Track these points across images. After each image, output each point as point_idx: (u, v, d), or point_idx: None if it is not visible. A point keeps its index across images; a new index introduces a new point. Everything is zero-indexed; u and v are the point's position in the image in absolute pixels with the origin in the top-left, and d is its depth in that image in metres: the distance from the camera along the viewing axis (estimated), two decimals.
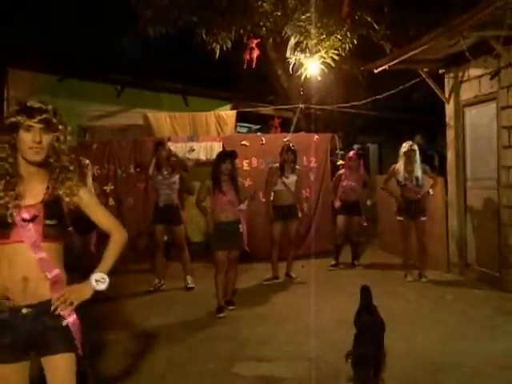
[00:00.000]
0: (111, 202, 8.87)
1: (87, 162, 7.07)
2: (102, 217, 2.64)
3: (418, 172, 7.52)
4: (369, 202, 8.76)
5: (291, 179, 7.71)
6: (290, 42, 8.72)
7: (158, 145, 7.51)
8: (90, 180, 7.03)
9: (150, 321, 5.98)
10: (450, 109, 7.98)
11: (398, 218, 7.70)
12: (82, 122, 10.21)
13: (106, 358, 4.83)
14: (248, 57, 9.14)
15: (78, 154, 7.51)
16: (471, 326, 5.47)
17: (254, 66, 9.31)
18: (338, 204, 8.63)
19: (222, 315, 6.09)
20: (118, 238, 2.63)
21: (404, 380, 4.16)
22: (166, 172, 7.31)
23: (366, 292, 4.73)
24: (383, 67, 7.74)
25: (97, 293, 2.48)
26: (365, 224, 8.70)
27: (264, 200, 8.07)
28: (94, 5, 10.79)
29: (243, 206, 6.39)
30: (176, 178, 7.37)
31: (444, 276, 7.79)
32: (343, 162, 9.08)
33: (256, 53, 9.10)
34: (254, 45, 9.10)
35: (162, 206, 7.31)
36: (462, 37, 6.30)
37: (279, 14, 8.80)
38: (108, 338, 5.38)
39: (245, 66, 9.31)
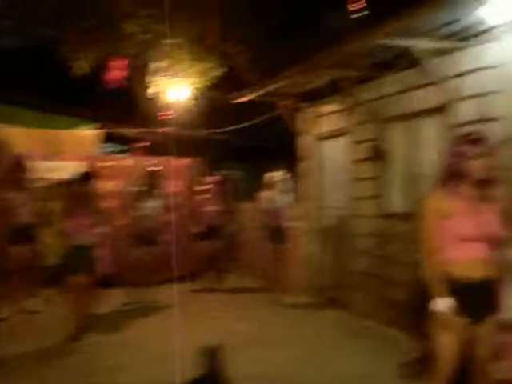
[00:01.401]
0: None
1: None
2: None
3: (281, 200, 7.90)
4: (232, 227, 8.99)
5: (153, 204, 7.68)
6: (153, 66, 8.76)
7: (15, 164, 7.16)
8: None
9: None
10: (307, 141, 8.50)
11: (262, 243, 7.99)
12: None
13: None
14: (111, 77, 9.01)
15: None
16: (322, 346, 5.81)
17: (116, 87, 9.21)
18: (200, 229, 8.76)
19: (78, 342, 5.86)
20: None
21: None
22: (18, 191, 6.98)
23: (210, 356, 3.69)
24: (246, 98, 8.08)
25: None
26: (219, 250, 8.83)
27: (125, 223, 7.94)
28: None
29: (101, 229, 6.25)
30: (30, 198, 7.06)
31: (301, 300, 8.16)
32: (207, 188, 9.23)
33: (120, 74, 9.00)
34: (119, 65, 8.99)
35: (18, 227, 7.00)
36: (317, 75, 6.80)
37: (147, 37, 8.82)
38: None
39: (106, 86, 9.17)
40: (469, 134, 3.29)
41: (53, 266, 8.76)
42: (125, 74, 9.24)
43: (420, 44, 5.36)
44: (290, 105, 8.45)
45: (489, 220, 3.18)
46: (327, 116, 7.96)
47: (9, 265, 7.08)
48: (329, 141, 8.06)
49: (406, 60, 5.75)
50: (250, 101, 8.20)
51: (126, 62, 9.33)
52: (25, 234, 7.02)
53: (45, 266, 8.52)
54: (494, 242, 3.19)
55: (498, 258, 3.25)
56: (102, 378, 4.80)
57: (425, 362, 4.85)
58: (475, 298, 3.14)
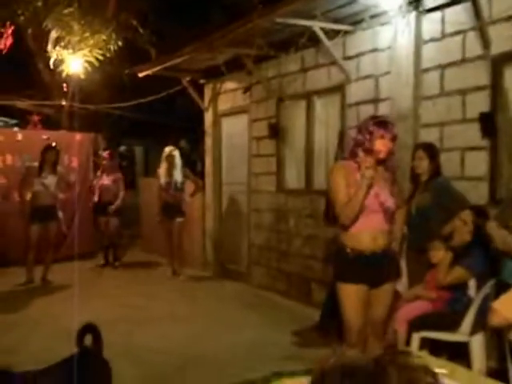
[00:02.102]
0: None
1: None
2: None
3: (178, 176, 7.89)
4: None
5: (51, 180, 7.40)
6: (50, 36, 8.36)
7: None
8: None
9: None
10: (208, 117, 8.54)
11: (158, 218, 7.99)
12: None
13: None
14: (1, 45, 8.48)
15: None
16: (221, 319, 5.94)
17: (7, 55, 8.68)
18: (97, 205, 8.63)
19: None
20: None
21: (152, 374, 4.36)
22: None
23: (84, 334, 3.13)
24: (147, 72, 7.93)
25: None
26: (112, 226, 8.69)
27: (19, 200, 7.60)
28: None
29: None
30: None
31: (200, 274, 8.28)
32: (101, 163, 9.02)
33: (9, 41, 8.49)
34: (8, 32, 8.47)
35: None
36: (219, 52, 6.82)
37: (39, 4, 8.36)
38: None
39: None
40: (377, 117, 3.67)
41: None
42: (17, 42, 8.72)
43: (317, 25, 5.53)
44: (192, 81, 8.41)
45: (386, 194, 3.46)
46: (228, 93, 8.03)
47: None
48: (230, 118, 8.14)
49: (304, 40, 5.92)
50: (153, 75, 8.06)
51: (15, 29, 8.79)
52: None
53: None
54: (390, 216, 3.49)
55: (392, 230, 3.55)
56: None
57: (318, 329, 5.16)
58: (376, 266, 3.40)
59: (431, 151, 4.48)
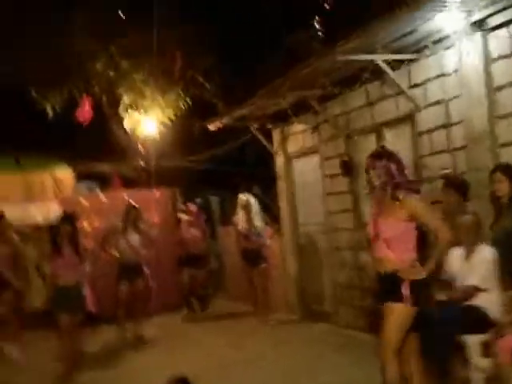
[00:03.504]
0: None
1: None
2: None
3: (258, 222, 7.99)
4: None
5: (134, 238, 7.68)
6: (122, 101, 8.86)
7: None
8: None
9: None
10: (279, 161, 8.65)
11: (241, 266, 8.06)
12: None
13: None
14: (80, 115, 9.06)
15: None
16: (309, 362, 5.85)
17: (87, 125, 9.26)
18: (182, 258, 8.82)
19: (70, 382, 5.81)
20: None
21: None
22: None
23: None
24: (216, 125, 8.20)
25: None
26: (202, 277, 8.84)
27: (108, 260, 7.90)
28: None
29: (85, 268, 6.25)
30: (6, 248, 7.07)
31: (286, 317, 8.20)
32: (185, 216, 9.27)
33: (89, 111, 9.06)
34: (86, 103, 9.05)
35: None
36: (283, 97, 6.96)
37: (112, 74, 8.93)
38: None
39: (78, 124, 9.23)
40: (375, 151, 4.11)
41: (40, 308, 8.70)
42: (92, 110, 9.29)
43: (380, 58, 5.55)
44: (260, 127, 8.59)
45: (385, 223, 3.68)
46: (297, 135, 8.12)
47: None
48: (300, 159, 8.21)
49: (368, 73, 5.94)
50: (219, 127, 8.32)
51: (93, 99, 9.39)
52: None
53: (30, 311, 8.46)
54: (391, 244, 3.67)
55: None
56: None
57: None
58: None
59: (510, 172, 4.29)
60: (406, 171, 3.86)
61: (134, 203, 7.91)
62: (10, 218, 8.46)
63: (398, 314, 3.63)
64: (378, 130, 6.42)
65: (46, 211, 8.85)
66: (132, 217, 7.69)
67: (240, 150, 11.67)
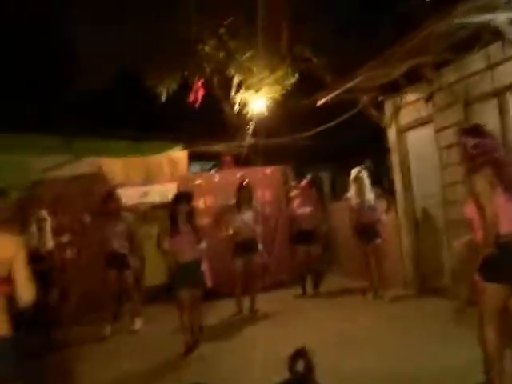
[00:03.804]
0: (68, 253, 8.76)
1: (44, 215, 7.12)
2: None
3: (370, 196, 7.81)
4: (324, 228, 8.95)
5: (248, 215, 7.83)
6: (233, 81, 8.98)
7: (108, 194, 7.61)
8: (49, 233, 7.11)
9: (116, 367, 5.92)
10: (391, 133, 8.35)
11: (355, 242, 7.93)
12: (35, 175, 10.10)
13: None
14: (193, 97, 9.33)
15: (34, 207, 7.57)
16: (429, 339, 5.64)
17: (200, 106, 9.51)
18: (295, 234, 8.86)
19: (190, 355, 6.09)
20: None
21: None
22: (112, 220, 7.39)
23: (296, 360, 3.27)
24: (324, 100, 8.06)
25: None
26: (317, 253, 8.82)
27: (223, 237, 8.14)
28: (42, 55, 10.77)
29: (203, 245, 6.48)
30: (123, 224, 7.44)
31: (402, 293, 7.99)
32: (297, 193, 9.29)
33: (201, 93, 9.30)
34: (199, 85, 9.30)
35: (111, 252, 7.41)
36: (395, 66, 6.67)
37: (222, 54, 9.07)
38: None
39: (191, 106, 9.51)
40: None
41: (160, 285, 9.21)
42: (204, 92, 9.52)
43: (503, 16, 5.13)
44: (371, 99, 8.34)
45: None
46: (409, 106, 7.79)
47: (109, 288, 7.54)
48: (414, 130, 7.88)
49: (489, 34, 5.53)
50: (327, 101, 8.17)
51: (204, 80, 9.62)
52: (120, 260, 7.42)
53: (149, 286, 8.99)
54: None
55: None
56: None
57: None
58: None
59: None
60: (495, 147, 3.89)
61: (246, 181, 8.06)
62: (131, 198, 9.02)
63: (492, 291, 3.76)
64: (499, 94, 5.98)
65: (164, 191, 9.27)
66: (245, 195, 7.84)
67: (350, 124, 11.43)
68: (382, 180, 12.65)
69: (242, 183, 8.01)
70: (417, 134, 7.82)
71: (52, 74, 10.40)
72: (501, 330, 3.77)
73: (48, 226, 7.25)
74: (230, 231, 7.87)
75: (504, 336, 3.78)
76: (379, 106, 8.51)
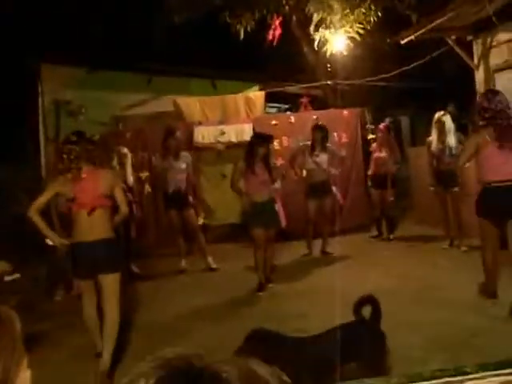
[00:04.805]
0: (147, 188, 9.07)
1: (125, 150, 7.34)
2: None
3: (452, 142, 7.48)
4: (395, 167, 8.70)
5: (322, 157, 7.75)
6: (313, 19, 8.70)
7: (167, 133, 7.61)
8: (129, 168, 7.33)
9: (191, 301, 6.18)
10: (479, 75, 7.89)
11: (432, 188, 7.69)
12: (115, 111, 10.44)
13: (152, 338, 5.04)
14: (271, 36, 9.16)
15: (116, 143, 7.82)
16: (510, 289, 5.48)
17: (277, 46, 9.34)
18: (371, 178, 8.74)
19: (262, 292, 6.25)
20: None
21: (441, 345, 4.24)
22: (172, 159, 7.43)
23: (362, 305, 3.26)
24: (410, 38, 7.68)
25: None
26: (391, 199, 8.65)
27: (296, 178, 8.12)
28: None
29: (277, 186, 6.50)
30: (183, 164, 7.48)
31: (479, 243, 7.73)
32: (374, 136, 9.08)
33: (278, 31, 9.11)
34: (276, 23, 9.10)
35: (171, 192, 7.48)
36: (488, 2, 6.21)
37: None
38: (153, 319, 5.61)
39: (268, 46, 9.36)
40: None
41: (234, 223, 9.41)
42: (283, 31, 9.32)
43: None
44: (458, 39, 7.86)
45: None
46: (502, 45, 7.29)
47: (172, 227, 7.68)
48: (505, 73, 7.39)
49: None
50: (415, 40, 7.78)
51: (282, 19, 9.40)
52: (180, 199, 7.47)
53: (223, 225, 9.21)
54: None
55: None
56: (289, 325, 5.07)
57: None
58: None
59: None
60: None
61: (321, 123, 7.93)
62: (207, 137, 9.14)
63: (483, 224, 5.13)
64: None
65: (240, 131, 9.32)
66: (319, 136, 7.73)
67: (435, 65, 10.88)
68: (466, 126, 12.11)
69: (316, 124, 7.89)
70: (507, 76, 7.34)
71: (135, 10, 10.50)
72: (496, 251, 5.10)
73: (129, 161, 7.44)
74: (303, 173, 7.84)
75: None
76: (467, 46, 8.01)
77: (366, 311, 3.24)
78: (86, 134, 4.73)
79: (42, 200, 4.34)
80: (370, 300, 3.23)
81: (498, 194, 4.90)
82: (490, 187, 4.91)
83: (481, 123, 4.93)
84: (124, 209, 4.56)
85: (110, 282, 4.41)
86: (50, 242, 4.75)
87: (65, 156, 4.29)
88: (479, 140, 4.93)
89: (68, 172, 4.30)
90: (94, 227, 4.30)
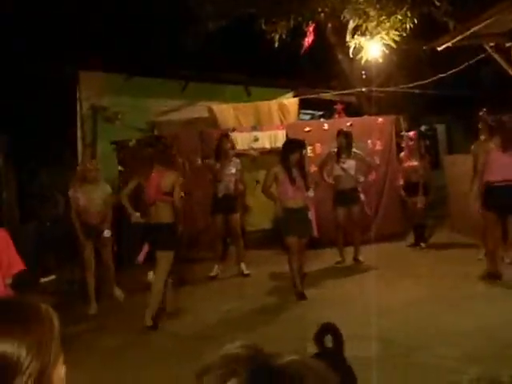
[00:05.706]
0: (181, 194, 9.12)
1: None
2: None
3: None
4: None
5: (349, 163, 7.67)
6: (349, 26, 8.65)
7: (222, 136, 7.74)
8: None
9: (222, 306, 6.21)
10: None
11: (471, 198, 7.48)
12: (150, 117, 10.59)
13: (186, 341, 5.08)
14: (306, 43, 9.16)
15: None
16: None
17: (310, 52, 9.33)
18: (403, 186, 8.63)
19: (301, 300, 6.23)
20: None
21: (474, 356, 4.15)
22: (224, 163, 7.50)
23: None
24: (447, 44, 7.58)
25: None
26: (419, 206, 8.49)
27: (326, 185, 8.05)
28: (154, 3, 11.05)
29: (311, 193, 6.48)
30: (233, 168, 7.54)
31: None
32: (402, 145, 8.98)
33: (311, 38, 9.10)
34: (310, 30, 9.09)
35: (221, 196, 7.53)
36: None
37: None
38: (183, 323, 5.66)
39: (303, 53, 9.36)
40: None
41: (267, 229, 9.42)
42: (318, 38, 9.31)
43: None
44: (497, 45, 7.71)
45: None
46: None
47: (216, 231, 7.78)
48: None
49: None
50: (452, 47, 7.66)
51: (317, 26, 9.39)
52: (228, 203, 7.55)
53: (260, 230, 9.22)
54: None
55: None
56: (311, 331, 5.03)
57: None
58: None
59: None
60: None
61: (346, 129, 7.88)
62: (241, 143, 9.18)
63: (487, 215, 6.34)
64: None
65: (273, 138, 9.34)
66: (344, 142, 7.67)
67: (473, 73, 10.71)
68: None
69: (340, 130, 7.85)
70: None
71: (170, 18, 10.66)
72: (498, 236, 6.41)
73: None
74: (330, 180, 7.80)
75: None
76: (506, 53, 7.85)
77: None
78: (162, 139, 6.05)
79: (129, 187, 5.80)
80: (330, 329, 2.85)
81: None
82: (493, 186, 6.06)
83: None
84: (177, 205, 5.63)
85: (160, 258, 5.51)
86: (133, 219, 5.85)
87: (142, 155, 5.57)
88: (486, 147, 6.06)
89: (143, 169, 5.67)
90: (157, 213, 5.58)
